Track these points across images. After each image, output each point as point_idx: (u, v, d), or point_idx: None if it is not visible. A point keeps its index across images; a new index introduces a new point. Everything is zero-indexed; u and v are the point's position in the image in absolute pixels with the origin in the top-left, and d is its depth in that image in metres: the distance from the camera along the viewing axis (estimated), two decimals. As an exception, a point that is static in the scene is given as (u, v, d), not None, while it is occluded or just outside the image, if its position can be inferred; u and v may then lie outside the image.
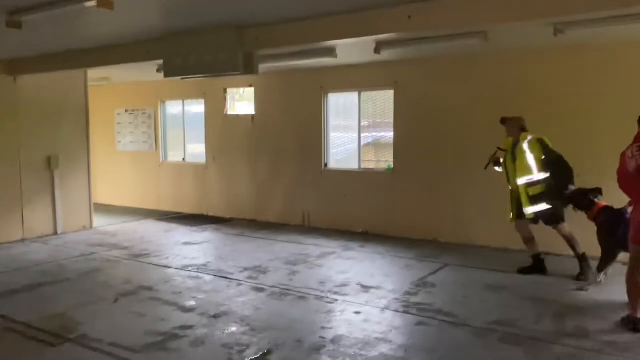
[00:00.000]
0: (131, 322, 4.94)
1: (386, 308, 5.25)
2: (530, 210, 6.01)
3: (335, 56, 7.24)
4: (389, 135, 8.74)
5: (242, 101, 10.47)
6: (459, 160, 7.95)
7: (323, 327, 4.75)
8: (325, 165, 9.42)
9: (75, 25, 5.86)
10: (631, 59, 6.71)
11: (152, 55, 6.70)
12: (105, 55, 7.20)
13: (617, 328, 4.63)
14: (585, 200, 5.65)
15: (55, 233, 9.03)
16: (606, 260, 5.55)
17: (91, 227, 9.54)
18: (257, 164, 10.14)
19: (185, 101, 11.12)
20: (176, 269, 6.79)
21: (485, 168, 6.50)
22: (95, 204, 9.93)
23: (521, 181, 6.04)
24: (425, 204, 8.31)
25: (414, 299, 5.49)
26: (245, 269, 6.69)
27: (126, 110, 11.94)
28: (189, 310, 5.23)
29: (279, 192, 9.92)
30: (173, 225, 9.80)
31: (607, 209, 5.55)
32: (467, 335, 4.58)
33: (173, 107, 11.45)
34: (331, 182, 9.29)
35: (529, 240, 6.25)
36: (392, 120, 8.65)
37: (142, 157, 11.72)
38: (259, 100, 10.02)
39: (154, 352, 4.27)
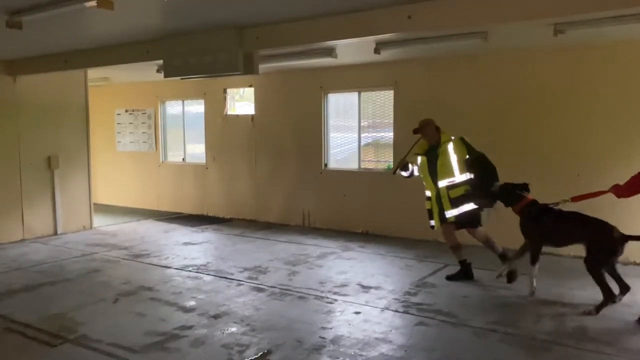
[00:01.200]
0: (131, 322, 4.93)
1: (386, 308, 5.25)
2: (451, 213, 5.91)
3: (335, 56, 7.25)
4: (388, 135, 8.74)
5: (242, 101, 10.47)
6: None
7: (323, 327, 4.75)
8: (325, 165, 9.41)
9: (75, 25, 5.86)
10: (631, 59, 6.71)
11: (152, 55, 6.70)
12: (105, 55, 7.20)
13: (632, 328, 4.66)
14: (512, 194, 5.61)
15: (55, 233, 9.03)
16: (535, 251, 5.49)
17: (91, 227, 9.54)
18: (257, 164, 10.14)
19: (185, 101, 11.12)
20: (176, 269, 6.79)
21: (394, 173, 6.37)
22: (95, 204, 9.94)
23: (442, 184, 5.92)
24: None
25: (414, 299, 5.49)
26: (245, 269, 6.69)
27: (126, 111, 11.93)
28: (189, 310, 5.23)
29: (279, 192, 9.92)
30: (173, 226, 9.80)
31: (535, 202, 5.52)
32: (467, 335, 4.58)
33: (173, 107, 11.44)
34: (331, 182, 9.29)
35: (457, 247, 6.12)
36: (392, 120, 8.65)
37: (142, 157, 11.72)
38: (259, 100, 10.02)
39: (154, 352, 4.27)
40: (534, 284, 5.49)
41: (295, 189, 9.69)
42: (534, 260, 5.47)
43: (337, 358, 4.12)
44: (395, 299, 5.52)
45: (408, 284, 6.05)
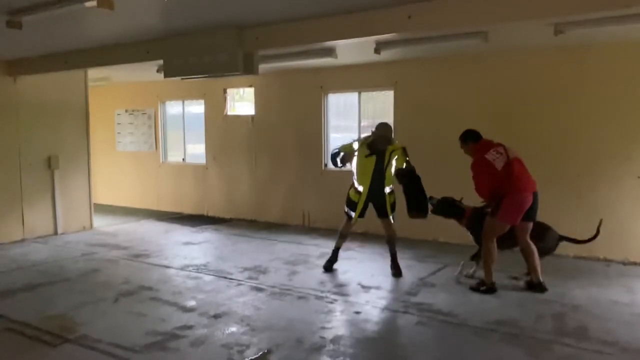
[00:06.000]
0: (131, 322, 4.93)
1: (386, 308, 5.26)
2: (392, 216, 6.48)
3: (335, 56, 7.25)
4: (389, 135, 8.73)
5: (242, 101, 10.47)
6: (458, 160, 7.93)
7: (323, 327, 4.74)
8: (325, 165, 9.40)
9: (75, 25, 5.86)
10: (631, 59, 6.70)
11: (152, 55, 6.69)
12: (105, 55, 7.20)
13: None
14: (454, 208, 6.01)
15: (55, 233, 9.02)
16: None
17: (91, 227, 9.54)
18: (257, 164, 10.14)
19: (185, 101, 11.12)
20: (176, 269, 6.79)
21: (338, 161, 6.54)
22: (95, 204, 9.93)
23: (387, 190, 6.36)
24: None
25: (414, 299, 5.49)
26: (245, 269, 6.69)
27: (126, 111, 11.93)
28: (189, 310, 5.23)
29: (279, 192, 9.91)
30: (173, 226, 9.80)
31: (477, 209, 5.87)
32: (467, 335, 4.58)
33: (173, 108, 11.44)
34: (331, 182, 9.28)
35: (346, 236, 6.68)
36: (392, 120, 8.63)
37: (142, 157, 11.71)
38: (259, 101, 10.01)
39: (154, 352, 4.27)
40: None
41: (295, 189, 9.68)
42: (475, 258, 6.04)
43: (337, 358, 4.12)
44: (395, 299, 5.53)
45: (408, 284, 6.05)
